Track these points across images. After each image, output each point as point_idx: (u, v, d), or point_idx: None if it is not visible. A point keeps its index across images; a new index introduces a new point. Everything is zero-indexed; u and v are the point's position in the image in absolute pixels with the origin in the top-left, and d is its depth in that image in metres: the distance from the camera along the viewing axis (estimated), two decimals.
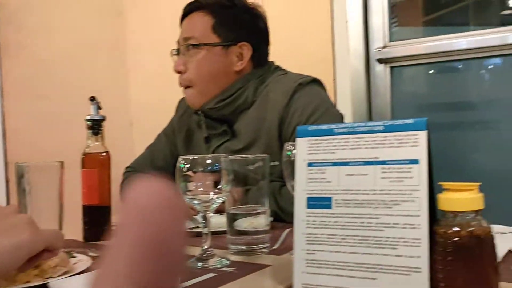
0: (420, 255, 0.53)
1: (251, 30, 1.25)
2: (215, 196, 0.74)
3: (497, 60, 1.85)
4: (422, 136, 0.56)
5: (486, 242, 0.52)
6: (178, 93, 1.29)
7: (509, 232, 0.82)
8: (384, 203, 0.56)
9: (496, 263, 0.53)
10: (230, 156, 0.78)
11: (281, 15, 1.76)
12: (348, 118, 1.75)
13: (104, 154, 0.98)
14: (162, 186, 0.39)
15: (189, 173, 0.75)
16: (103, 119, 0.97)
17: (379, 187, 0.56)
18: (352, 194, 0.58)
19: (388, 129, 0.58)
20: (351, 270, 0.56)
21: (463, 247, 0.51)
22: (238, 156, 0.83)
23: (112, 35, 2.25)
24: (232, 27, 1.23)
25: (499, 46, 1.75)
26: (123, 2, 2.31)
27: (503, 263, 0.68)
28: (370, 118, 1.92)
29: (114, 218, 0.98)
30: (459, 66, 1.93)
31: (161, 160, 1.35)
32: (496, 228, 0.82)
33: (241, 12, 1.25)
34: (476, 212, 0.52)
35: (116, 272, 0.35)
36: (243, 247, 0.80)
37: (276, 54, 1.33)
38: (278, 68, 1.28)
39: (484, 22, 2.05)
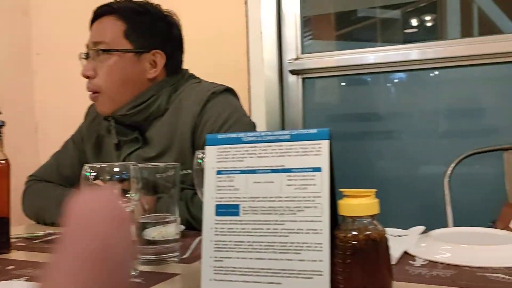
0: (322, 259, 0.55)
1: (165, 37, 1.23)
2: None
3: (401, 75, 1.98)
4: (324, 145, 0.58)
5: (381, 245, 0.56)
6: (87, 98, 1.25)
7: (405, 235, 0.88)
8: (289, 210, 0.58)
9: (390, 264, 0.57)
10: (140, 164, 0.77)
11: (196, 24, 1.76)
12: (261, 127, 1.79)
13: (3, 162, 0.92)
14: (105, 197, 0.38)
15: (97, 181, 0.73)
16: (2, 125, 0.91)
17: (285, 194, 0.58)
18: (259, 201, 0.59)
19: (294, 138, 0.60)
20: (257, 275, 0.57)
21: (361, 250, 0.54)
22: (148, 164, 0.81)
23: (16, 35, 2.12)
24: (145, 34, 1.20)
25: (402, 61, 1.88)
26: (30, 0, 2.19)
27: (399, 264, 0.73)
28: (283, 128, 1.97)
29: (13, 230, 0.93)
30: (367, 79, 2.05)
31: (68, 168, 1.29)
32: (393, 231, 0.88)
33: (154, 19, 1.23)
34: (372, 216, 0.56)
35: (63, 285, 0.34)
36: (152, 257, 0.78)
37: (191, 62, 1.33)
38: (192, 76, 1.28)
39: (390, 39, 2.19)
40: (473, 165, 1.58)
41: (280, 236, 0.57)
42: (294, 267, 0.56)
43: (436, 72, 1.90)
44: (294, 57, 1.97)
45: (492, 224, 1.30)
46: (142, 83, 1.20)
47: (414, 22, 2.13)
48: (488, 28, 1.99)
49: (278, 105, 1.96)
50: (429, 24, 2.14)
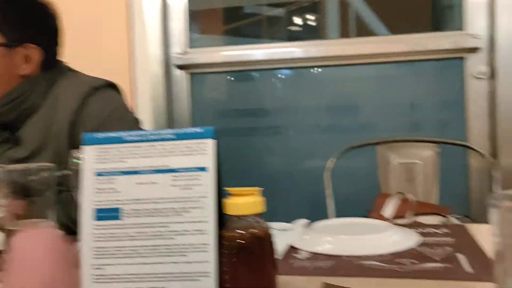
0: (208, 260, 0.55)
1: (41, 29, 1.12)
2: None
3: (287, 72, 2.05)
4: (210, 144, 0.58)
5: (266, 242, 0.57)
6: None
7: (290, 229, 0.91)
8: (174, 211, 0.56)
9: (274, 259, 0.58)
10: (8, 166, 0.70)
11: (74, 13, 1.65)
12: (147, 124, 1.74)
13: None
14: (48, 236, 0.35)
15: None
16: None
17: (170, 195, 0.57)
18: (143, 203, 0.57)
19: (179, 137, 0.59)
20: (141, 281, 0.55)
21: (246, 248, 0.55)
22: (18, 166, 0.74)
23: None
24: (18, 25, 1.09)
25: (287, 59, 1.95)
26: None
27: (284, 258, 0.75)
28: (170, 124, 1.94)
29: None
30: (255, 75, 2.08)
31: None
32: (279, 225, 0.91)
33: (29, 9, 1.11)
34: (258, 215, 0.57)
35: None
36: None
37: (69, 54, 1.24)
38: (69, 69, 1.19)
39: (276, 36, 2.26)
40: (352, 158, 1.69)
41: (165, 238, 0.56)
42: (180, 269, 0.55)
43: (319, 70, 2.00)
44: (181, 51, 1.94)
45: (368, 214, 1.41)
46: (13, 80, 1.08)
47: (297, 20, 2.22)
48: (364, 30, 2.13)
49: (165, 101, 1.91)
50: (311, 23, 2.24)
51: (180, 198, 0.56)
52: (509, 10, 1.69)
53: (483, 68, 1.75)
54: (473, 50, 1.76)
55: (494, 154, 1.72)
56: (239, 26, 2.26)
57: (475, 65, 1.77)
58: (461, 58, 1.80)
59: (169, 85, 1.94)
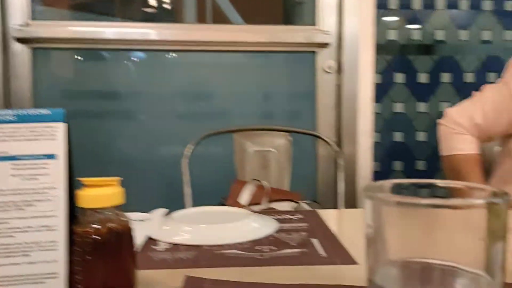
0: (56, 259, 0.48)
1: None
2: None
3: (141, 54, 1.96)
4: (60, 128, 0.51)
5: (125, 236, 0.52)
6: None
7: (148, 219, 0.87)
8: (15, 205, 0.49)
9: (134, 254, 0.54)
10: None
11: None
12: None
13: None
14: None
15: None
16: None
17: (9, 187, 0.49)
18: None
19: (21, 119, 0.51)
20: None
21: (102, 244, 0.49)
22: None
23: None
24: None
25: (141, 40, 1.86)
26: None
27: (142, 251, 0.71)
28: (8, 105, 1.72)
29: None
30: (106, 55, 1.95)
31: None
32: (136, 216, 0.86)
33: None
34: (117, 207, 0.51)
35: None
36: None
37: None
38: None
39: (129, 15, 2.14)
40: (209, 145, 1.68)
41: (3, 237, 0.48)
42: (22, 271, 0.48)
43: (174, 55, 1.95)
44: (22, 23, 1.73)
45: (224, 200, 1.42)
46: None
47: (152, 1, 2.14)
48: (220, 18, 2.14)
49: (1, 78, 1.69)
50: (167, 6, 2.18)
51: (22, 190, 0.49)
52: (355, 10, 1.83)
53: (332, 62, 1.88)
54: (324, 45, 1.88)
55: (339, 143, 1.87)
56: (89, 2, 2.10)
57: (325, 59, 1.89)
58: (313, 52, 1.91)
59: (7, 60, 1.72)
